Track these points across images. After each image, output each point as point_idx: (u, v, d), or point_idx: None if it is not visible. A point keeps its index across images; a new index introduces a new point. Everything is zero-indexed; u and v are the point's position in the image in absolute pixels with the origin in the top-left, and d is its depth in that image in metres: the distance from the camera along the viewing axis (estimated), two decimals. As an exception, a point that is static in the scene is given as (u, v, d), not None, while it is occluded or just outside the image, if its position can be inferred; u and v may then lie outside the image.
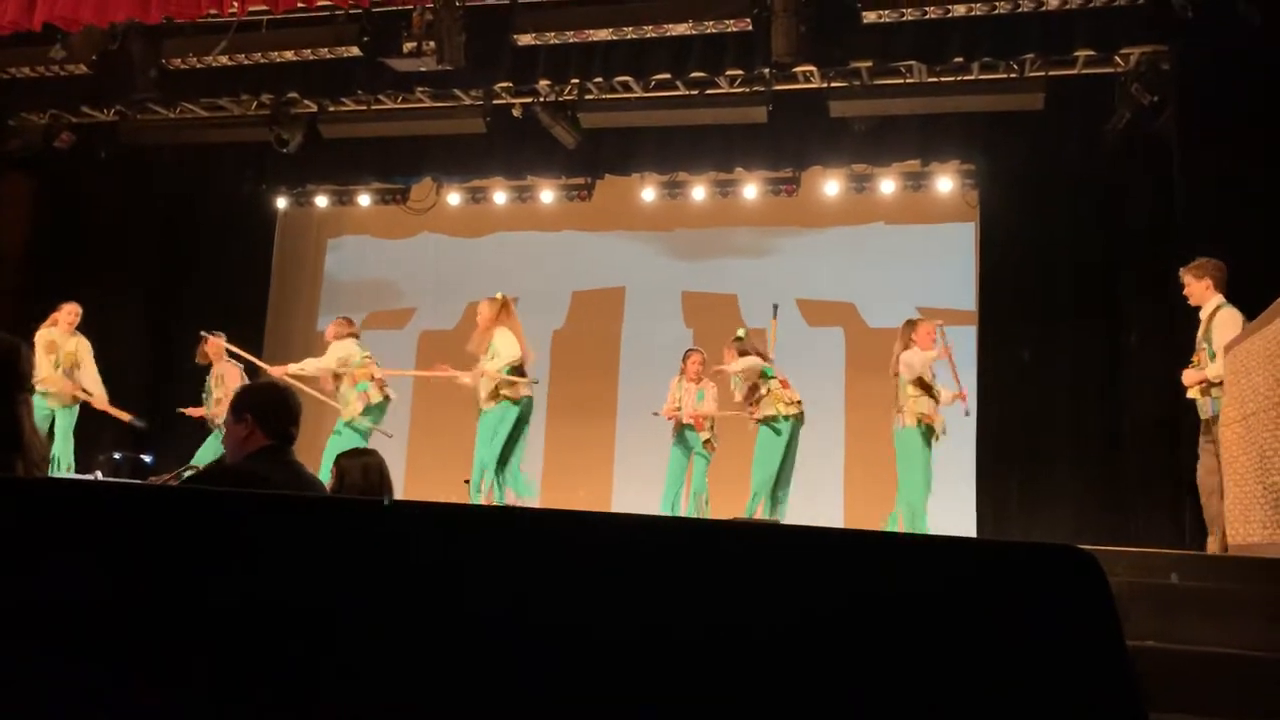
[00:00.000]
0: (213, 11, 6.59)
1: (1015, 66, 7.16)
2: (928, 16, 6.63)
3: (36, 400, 6.67)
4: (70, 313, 7.51)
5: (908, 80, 7.46)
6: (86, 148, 9.06)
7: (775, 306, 7.73)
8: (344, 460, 3.60)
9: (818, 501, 8.27)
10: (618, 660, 1.14)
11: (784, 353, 8.73)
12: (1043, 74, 7.20)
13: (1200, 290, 5.45)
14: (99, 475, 5.33)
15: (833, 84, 7.57)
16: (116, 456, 7.84)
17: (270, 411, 2.84)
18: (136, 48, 7.55)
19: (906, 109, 7.67)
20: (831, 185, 8.80)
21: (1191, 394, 5.41)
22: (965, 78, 7.30)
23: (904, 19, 6.63)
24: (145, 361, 9.28)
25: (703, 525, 1.31)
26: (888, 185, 8.75)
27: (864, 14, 6.59)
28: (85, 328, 7.70)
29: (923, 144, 7.97)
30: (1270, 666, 3.04)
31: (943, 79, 7.39)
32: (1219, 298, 5.38)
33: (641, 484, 8.26)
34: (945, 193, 8.69)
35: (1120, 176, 7.57)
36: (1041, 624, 1.15)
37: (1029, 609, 1.16)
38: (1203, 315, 5.45)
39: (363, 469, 3.51)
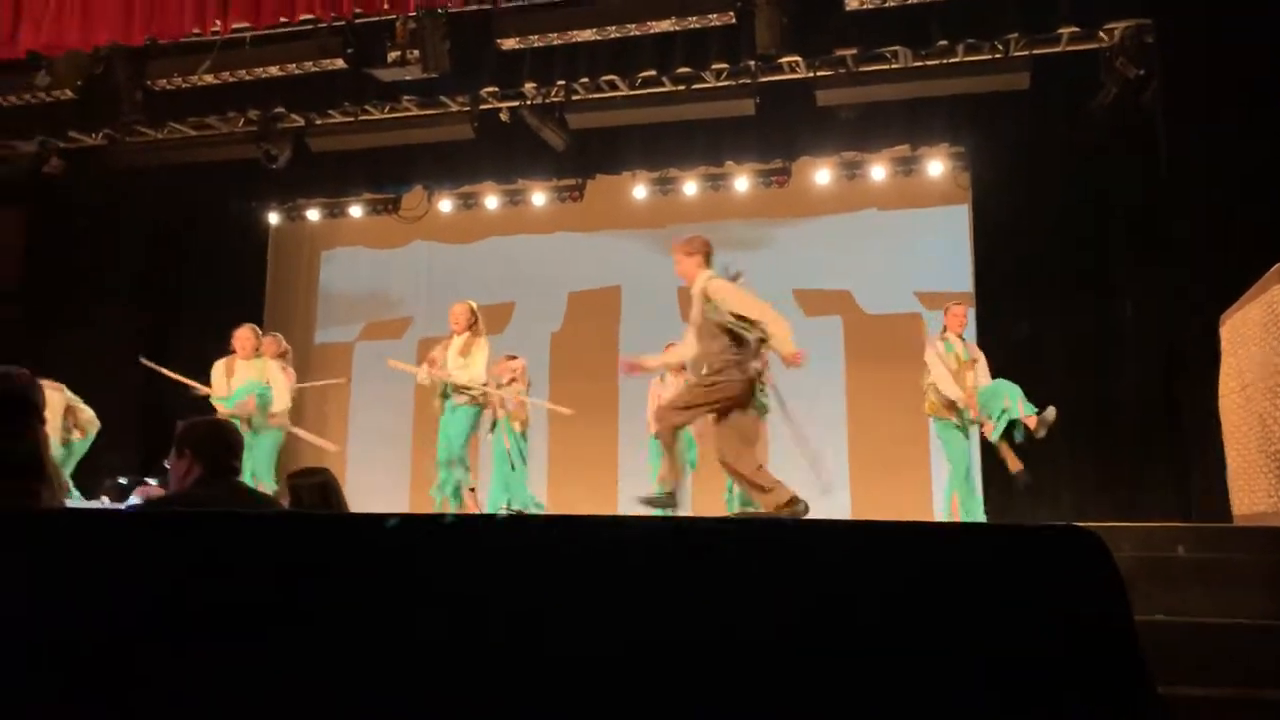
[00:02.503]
0: (196, 31, 6.61)
1: (1000, 47, 7.17)
2: (910, 1, 6.64)
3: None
4: (244, 338, 7.25)
5: (893, 66, 7.46)
6: (76, 173, 9.06)
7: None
8: (297, 479, 3.58)
9: (821, 495, 8.29)
10: (650, 666, 1.15)
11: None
12: (1027, 53, 7.21)
13: None
14: (106, 501, 5.32)
15: (818, 73, 7.58)
16: (122, 481, 7.83)
17: (208, 444, 2.87)
18: (121, 71, 7.57)
19: (893, 94, 7.67)
20: (822, 174, 8.81)
21: None
22: (950, 60, 7.30)
23: (887, 5, 6.65)
24: (144, 382, 9.28)
25: (723, 525, 1.31)
26: (878, 171, 8.75)
27: (847, 1, 6.60)
28: (83, 354, 7.70)
29: (911, 128, 7.97)
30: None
31: (928, 63, 7.39)
32: None
33: (646, 483, 8.26)
34: (936, 176, 8.71)
35: (1109, 151, 7.57)
36: (1049, 606, 1.16)
37: (1036, 592, 1.17)
38: None
39: (319, 489, 3.48)
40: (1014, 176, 8.05)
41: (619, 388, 9.45)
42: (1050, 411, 6.11)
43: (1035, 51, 7.22)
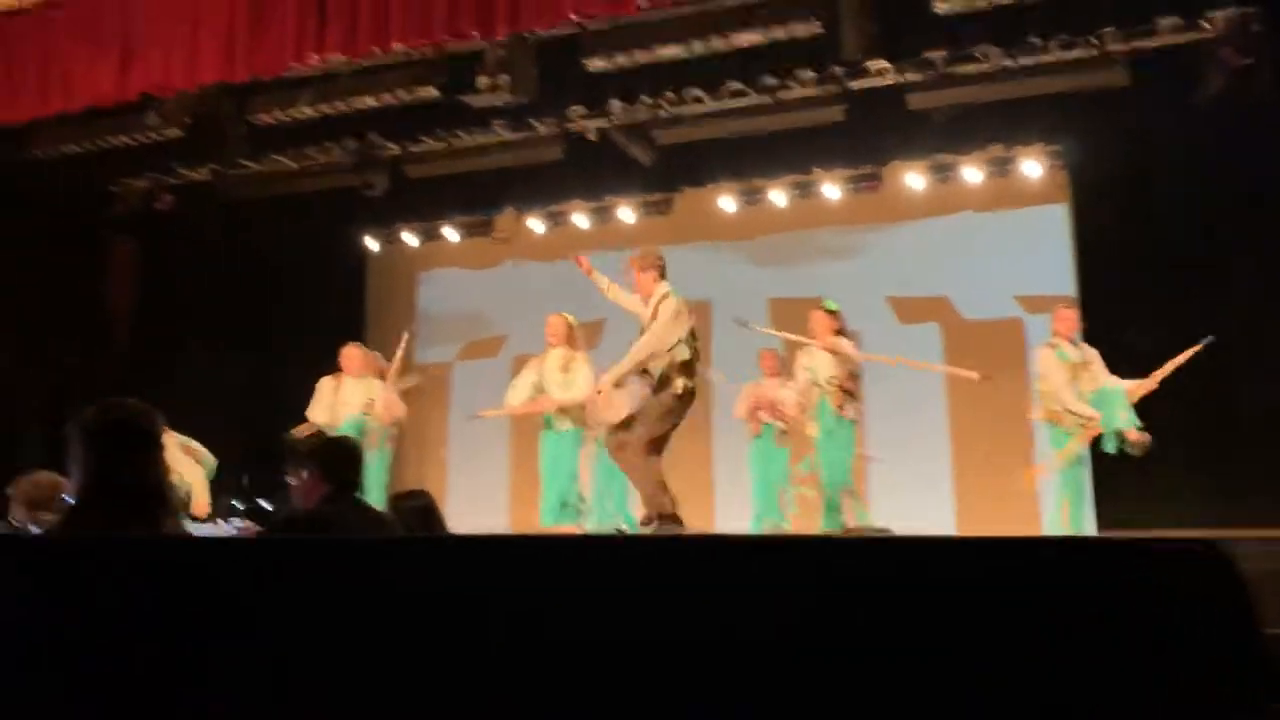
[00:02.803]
0: (295, 65, 6.81)
1: (1095, 42, 6.97)
2: (1001, 2, 6.51)
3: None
4: (352, 356, 7.43)
5: (985, 66, 7.31)
6: (185, 207, 9.46)
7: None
8: (400, 502, 3.64)
9: (926, 505, 8.13)
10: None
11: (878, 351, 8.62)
12: (1124, 47, 6.98)
13: None
14: (220, 524, 5.52)
15: (908, 77, 7.47)
16: (240, 506, 8.10)
17: (331, 459, 2.93)
18: (226, 108, 7.88)
19: (986, 95, 7.52)
20: (914, 178, 8.68)
21: None
22: (1044, 59, 7.13)
23: (977, 5, 6.53)
24: (250, 405, 9.60)
25: (830, 542, 1.31)
26: (973, 174, 8.58)
27: (936, 4, 6.50)
28: (191, 381, 7.95)
29: (1006, 129, 7.82)
30: None
31: (1021, 62, 7.22)
32: None
33: (745, 501, 8.22)
34: (1034, 176, 8.48)
35: (1218, 145, 7.29)
36: (1176, 622, 1.12)
37: (1163, 608, 1.14)
38: None
39: (423, 511, 3.52)
40: (1117, 174, 7.81)
41: (710, 403, 9.41)
42: (1146, 437, 5.95)
43: (1132, 45, 6.99)
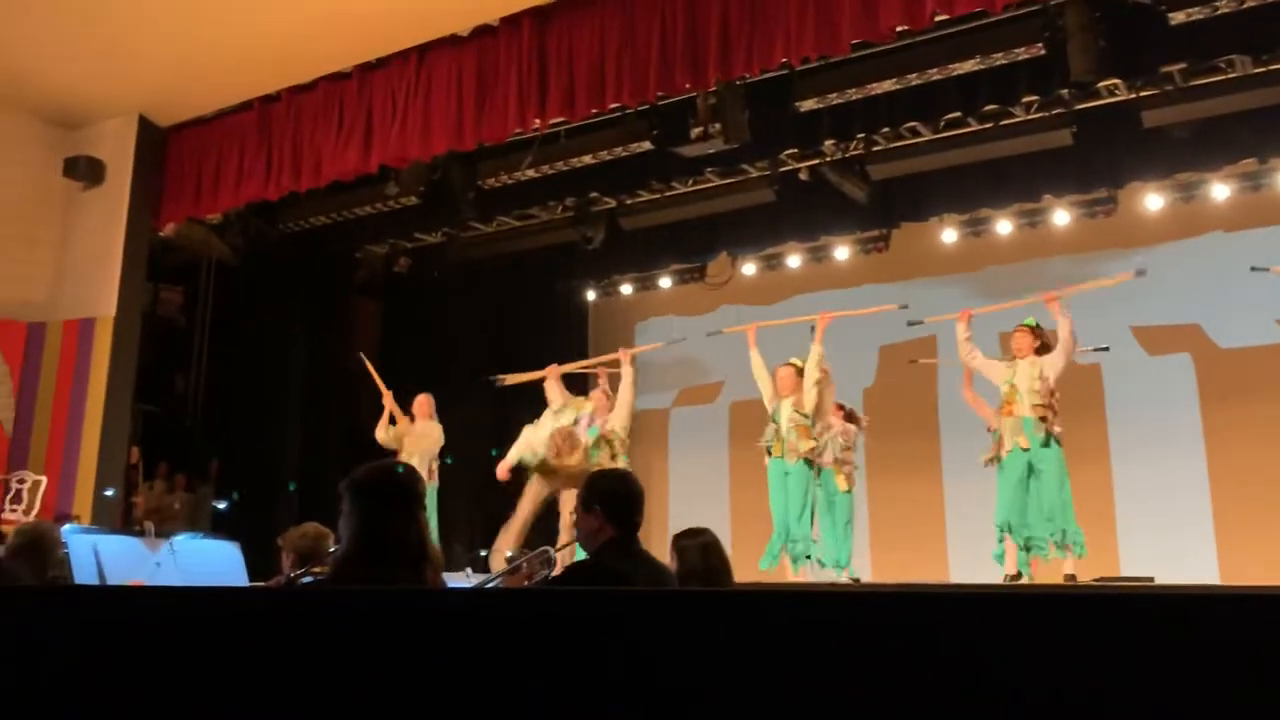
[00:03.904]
0: (518, 130, 7.15)
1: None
2: (1244, 6, 6.03)
3: None
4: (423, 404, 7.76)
5: (1229, 76, 6.79)
6: (420, 269, 10.08)
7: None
8: (682, 541, 3.65)
9: (1184, 551, 7.49)
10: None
11: (1122, 385, 8.08)
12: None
13: None
14: (469, 574, 5.75)
15: (1142, 93, 7.04)
16: (484, 554, 8.41)
17: (618, 502, 2.97)
18: (456, 175, 8.37)
19: (1232, 106, 6.96)
20: (1153, 199, 8.13)
21: None
22: (1300, 63, 6.55)
23: (1218, 12, 6.07)
24: (486, 451, 10.02)
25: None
26: (1220, 190, 7.95)
27: (1170, 15, 6.10)
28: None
29: (1258, 140, 7.20)
30: None
31: (1271, 68, 6.66)
32: None
33: (977, 541, 7.85)
34: (1291, 190, 7.77)
35: None
36: None
37: None
38: None
39: (702, 549, 3.54)
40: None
41: (940, 442, 9.08)
42: None
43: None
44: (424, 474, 7.22)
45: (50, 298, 8.24)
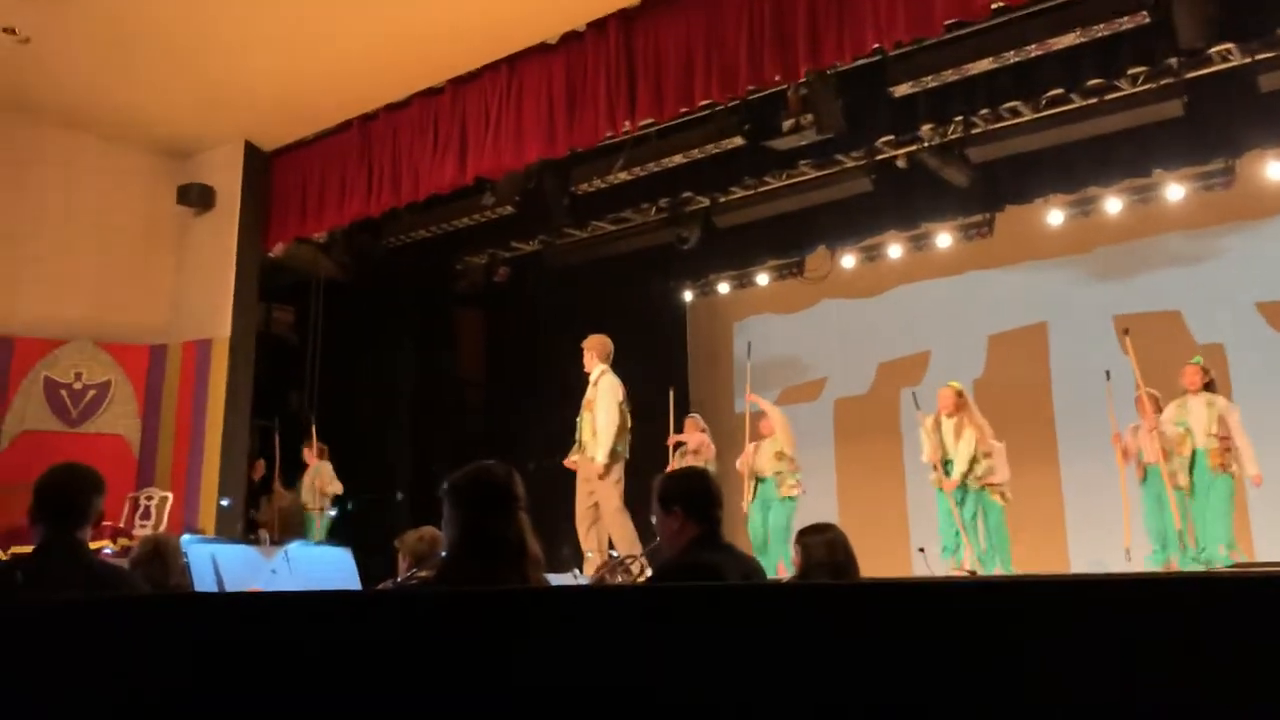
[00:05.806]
0: (609, 134, 7.16)
1: None
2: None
3: None
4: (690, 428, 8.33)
5: (1358, 29, 6.39)
6: (519, 277, 10.19)
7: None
8: (806, 537, 3.62)
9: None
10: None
11: (1245, 369, 7.71)
12: None
13: None
14: (577, 574, 5.78)
15: (1258, 57, 6.68)
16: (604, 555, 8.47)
17: (697, 500, 2.96)
18: (550, 182, 8.44)
19: (1361, 63, 6.57)
20: (1275, 168, 7.71)
21: None
22: None
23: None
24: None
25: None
26: (1350, 154, 7.50)
27: (1287, -30, 5.79)
28: (535, 439, 8.45)
29: (1391, 98, 6.77)
30: None
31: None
32: None
33: (1097, 530, 7.57)
34: None
35: None
36: None
37: None
38: None
39: (827, 545, 3.51)
40: None
41: (1055, 432, 8.78)
42: None
43: None
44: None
45: (169, 321, 8.58)
